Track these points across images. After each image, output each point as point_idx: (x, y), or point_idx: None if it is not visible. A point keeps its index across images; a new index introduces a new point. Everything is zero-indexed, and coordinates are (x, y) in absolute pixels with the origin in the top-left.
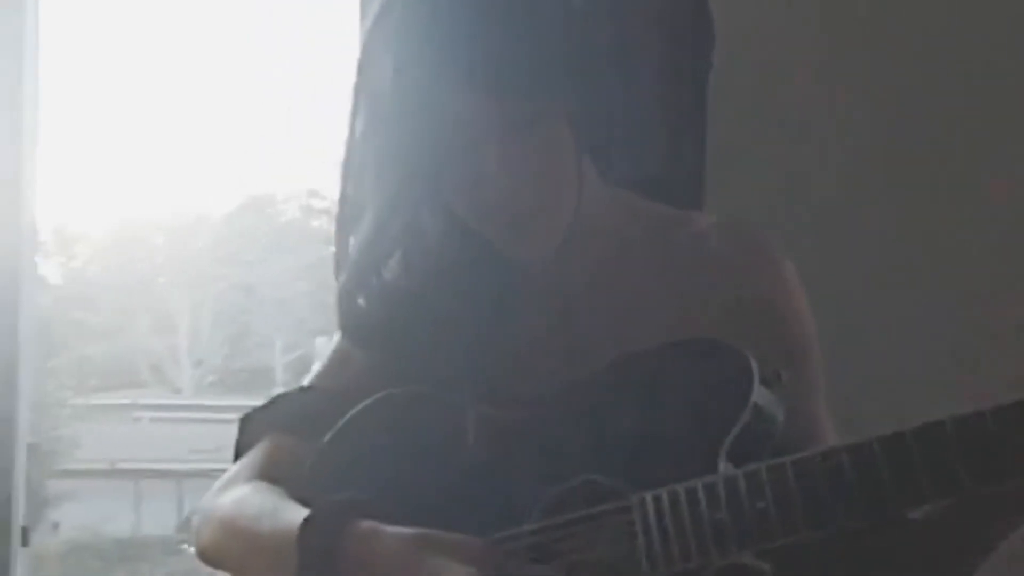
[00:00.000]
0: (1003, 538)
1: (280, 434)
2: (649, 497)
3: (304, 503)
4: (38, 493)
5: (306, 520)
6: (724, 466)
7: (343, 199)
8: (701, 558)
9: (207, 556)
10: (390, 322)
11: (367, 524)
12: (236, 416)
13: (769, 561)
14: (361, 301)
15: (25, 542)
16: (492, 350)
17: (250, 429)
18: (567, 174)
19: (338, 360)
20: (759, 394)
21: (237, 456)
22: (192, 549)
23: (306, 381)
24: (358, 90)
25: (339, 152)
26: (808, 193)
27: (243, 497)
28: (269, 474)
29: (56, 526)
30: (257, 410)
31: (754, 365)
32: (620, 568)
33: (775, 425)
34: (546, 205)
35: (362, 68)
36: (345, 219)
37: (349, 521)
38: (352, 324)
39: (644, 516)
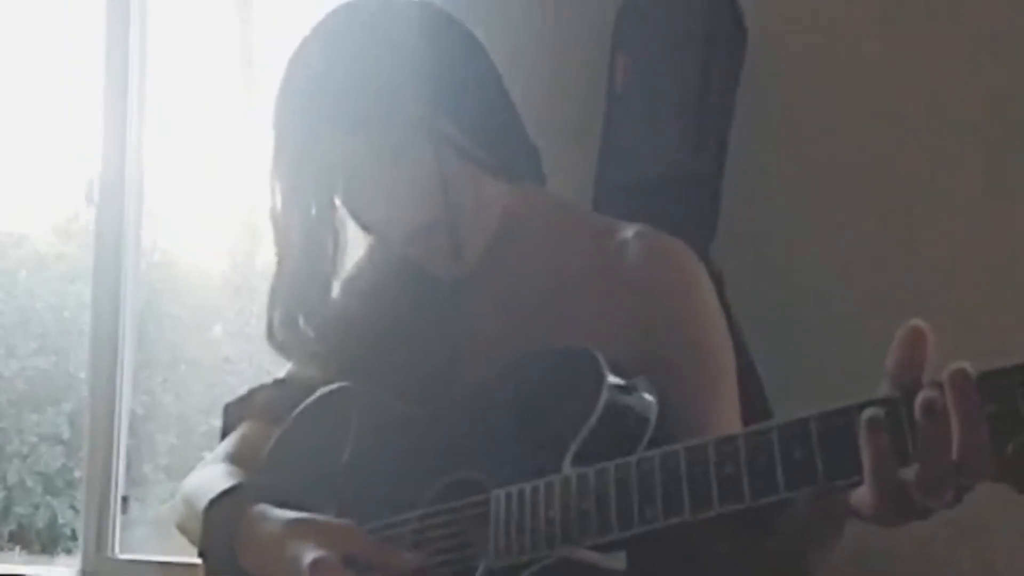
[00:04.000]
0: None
1: (253, 422)
2: (503, 494)
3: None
4: None
5: (211, 502)
6: (569, 467)
7: (274, 225)
8: (535, 551)
9: (179, 528)
10: (329, 338)
11: (259, 508)
12: None
13: (628, 551)
14: (301, 322)
15: (125, 510)
16: (419, 355)
17: (230, 416)
18: (458, 191)
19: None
20: (615, 397)
21: (222, 438)
22: None
23: (281, 375)
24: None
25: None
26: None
27: (203, 477)
28: (237, 457)
29: None
30: (237, 399)
31: (605, 372)
32: (474, 556)
33: (641, 426)
34: (437, 221)
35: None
36: (282, 252)
37: (245, 504)
38: (295, 344)
39: (497, 510)
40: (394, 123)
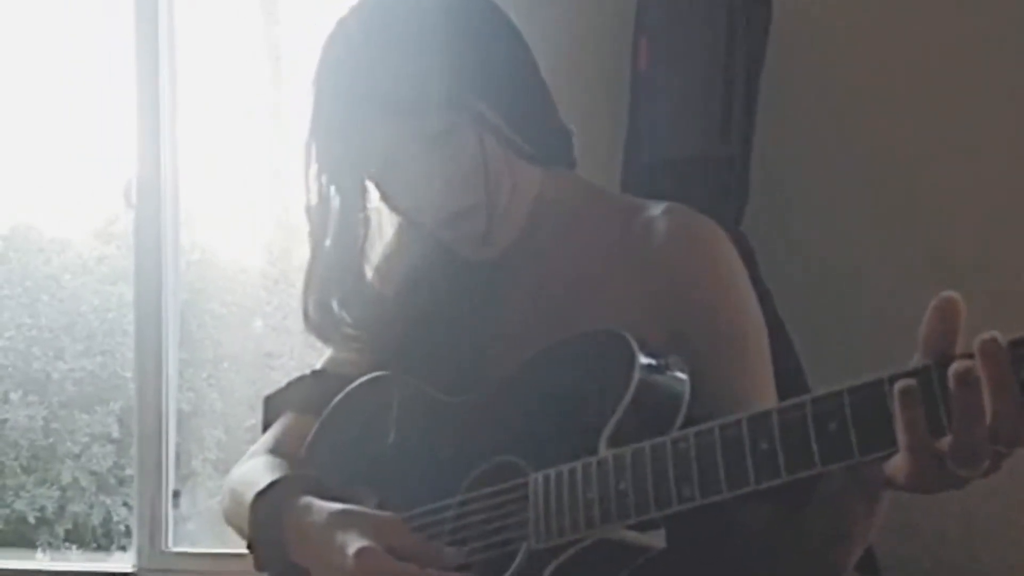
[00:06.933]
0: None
1: (294, 413)
2: (541, 477)
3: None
4: None
5: (258, 494)
6: (605, 448)
7: (307, 210)
8: (574, 533)
9: (225, 520)
10: (364, 323)
11: (304, 500)
12: None
13: (665, 528)
14: (335, 306)
15: (176, 505)
16: (452, 340)
17: (271, 408)
18: (498, 175)
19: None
20: (647, 377)
21: (264, 431)
22: None
23: (318, 365)
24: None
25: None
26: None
27: (248, 469)
28: (279, 449)
29: None
30: (277, 391)
31: (636, 352)
32: (515, 539)
33: (675, 405)
34: (476, 205)
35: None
36: (315, 236)
37: (292, 496)
38: (331, 329)
39: (536, 493)
40: (436, 107)
